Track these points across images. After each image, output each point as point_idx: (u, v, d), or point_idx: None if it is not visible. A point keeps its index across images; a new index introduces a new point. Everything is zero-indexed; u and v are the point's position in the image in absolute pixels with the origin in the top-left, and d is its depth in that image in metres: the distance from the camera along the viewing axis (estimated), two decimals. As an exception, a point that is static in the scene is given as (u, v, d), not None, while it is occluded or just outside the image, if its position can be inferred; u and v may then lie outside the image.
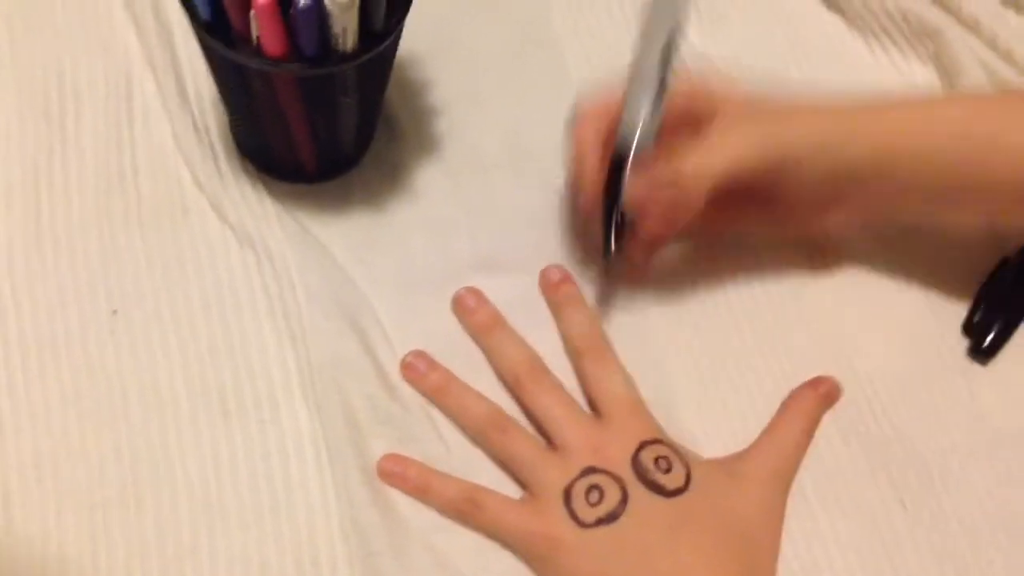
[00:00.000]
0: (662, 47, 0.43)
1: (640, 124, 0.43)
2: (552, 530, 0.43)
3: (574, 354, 0.48)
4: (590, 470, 0.43)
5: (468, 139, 0.54)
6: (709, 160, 0.43)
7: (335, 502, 0.44)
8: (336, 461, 0.44)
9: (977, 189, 0.45)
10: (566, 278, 0.50)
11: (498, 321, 0.49)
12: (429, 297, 0.49)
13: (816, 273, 0.52)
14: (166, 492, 0.43)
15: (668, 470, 0.43)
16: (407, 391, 0.47)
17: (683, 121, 0.45)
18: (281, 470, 0.44)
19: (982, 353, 0.50)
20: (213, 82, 0.48)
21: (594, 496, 0.42)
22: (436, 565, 0.43)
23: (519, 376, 0.47)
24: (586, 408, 0.47)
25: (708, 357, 0.49)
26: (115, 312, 0.46)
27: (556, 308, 0.49)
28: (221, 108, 0.52)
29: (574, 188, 0.48)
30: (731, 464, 0.45)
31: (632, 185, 0.44)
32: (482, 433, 0.46)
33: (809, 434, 0.47)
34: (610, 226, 0.46)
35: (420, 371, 0.47)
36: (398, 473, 0.45)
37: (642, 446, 0.44)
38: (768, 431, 0.47)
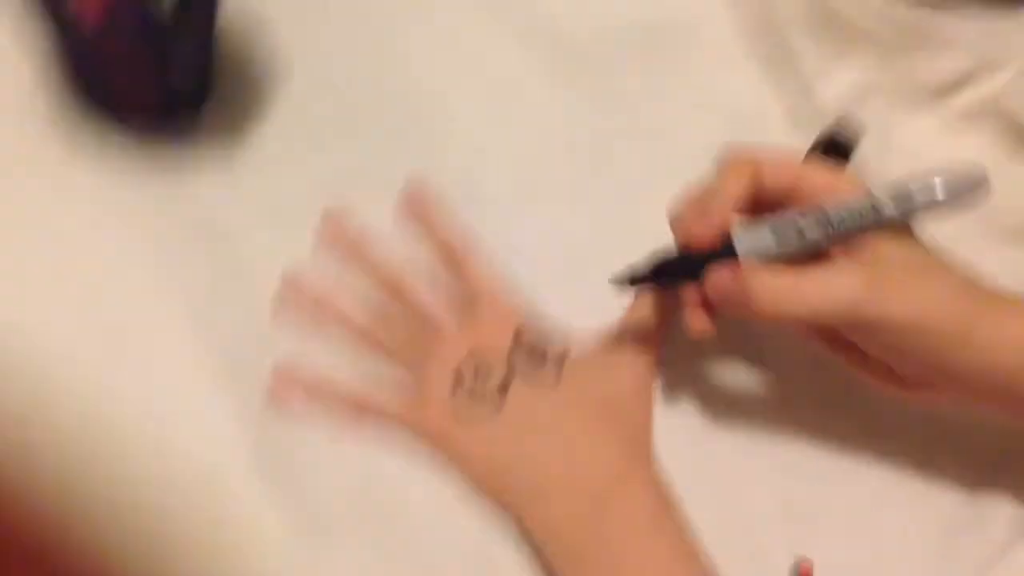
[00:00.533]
0: (895, 212, 0.40)
1: (783, 244, 0.41)
2: (440, 420, 0.46)
3: (443, 257, 0.50)
4: (472, 357, 0.46)
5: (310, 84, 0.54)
6: (790, 298, 0.40)
7: (234, 418, 0.45)
8: (229, 381, 0.46)
9: None
10: (425, 191, 0.52)
11: (363, 240, 0.50)
12: (295, 225, 0.50)
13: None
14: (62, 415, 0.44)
15: (543, 353, 0.47)
16: (287, 311, 0.49)
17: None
18: (175, 396, 0.46)
19: None
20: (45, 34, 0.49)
21: (478, 381, 0.46)
22: (339, 459, 0.45)
23: (392, 285, 0.49)
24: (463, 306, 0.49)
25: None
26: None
27: (418, 219, 0.51)
28: (56, 55, 0.51)
29: (694, 202, 0.44)
30: (603, 350, 0.48)
31: (717, 272, 0.41)
32: (364, 335, 0.48)
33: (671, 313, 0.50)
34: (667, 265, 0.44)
35: (297, 292, 0.49)
36: (290, 382, 0.47)
37: (518, 332, 0.47)
38: (632, 310, 0.49)
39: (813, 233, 0.41)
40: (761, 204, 0.42)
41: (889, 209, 0.40)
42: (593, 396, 0.46)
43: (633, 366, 0.48)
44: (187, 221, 0.50)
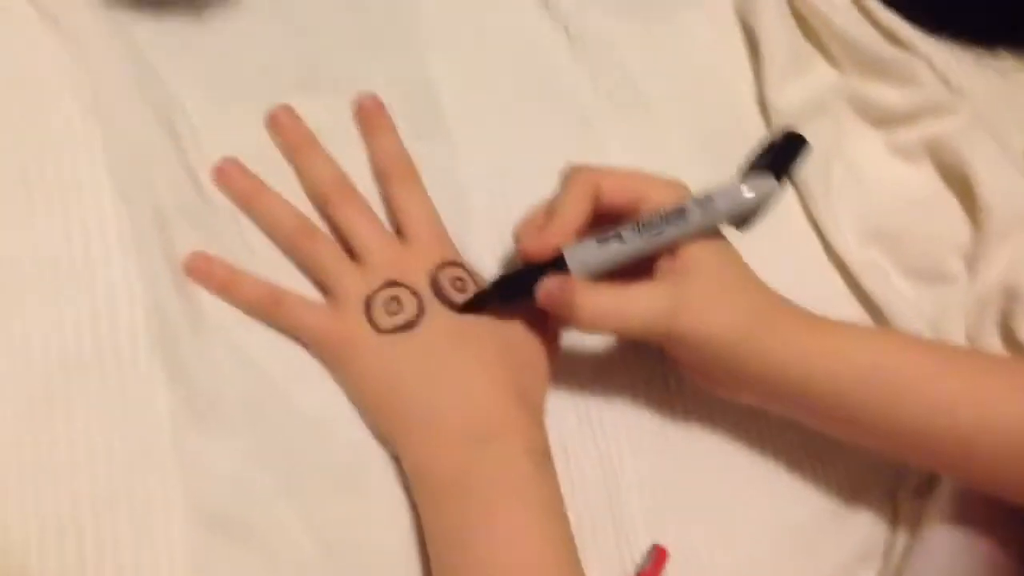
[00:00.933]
0: (699, 217, 0.45)
1: (607, 253, 0.45)
2: (349, 333, 0.45)
3: (382, 177, 0.50)
4: (391, 283, 0.46)
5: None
6: (607, 313, 0.45)
7: (139, 287, 0.44)
8: (142, 250, 0.45)
9: (884, 435, 0.47)
10: (379, 106, 0.51)
11: (310, 140, 0.50)
12: (243, 108, 0.50)
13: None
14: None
15: (462, 291, 0.47)
16: (216, 194, 0.48)
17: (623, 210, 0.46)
18: (83, 249, 0.44)
19: None
20: None
21: (393, 307, 0.45)
22: (234, 356, 0.45)
23: (327, 193, 0.48)
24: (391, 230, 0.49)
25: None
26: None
27: (367, 134, 0.51)
28: None
29: (536, 219, 0.47)
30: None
31: (546, 286, 0.44)
32: (289, 239, 0.48)
33: None
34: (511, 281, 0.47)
35: (232, 176, 0.48)
36: (203, 269, 0.46)
37: (441, 266, 0.47)
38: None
39: (630, 238, 0.45)
40: (604, 221, 0.46)
41: (693, 213, 0.45)
42: (498, 338, 0.46)
43: (536, 319, 0.48)
44: (142, 73, 0.48)
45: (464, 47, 0.56)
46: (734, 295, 0.46)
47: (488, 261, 0.50)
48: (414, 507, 0.44)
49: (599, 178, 0.46)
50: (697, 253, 0.46)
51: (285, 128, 0.50)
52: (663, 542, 0.48)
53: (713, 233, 0.47)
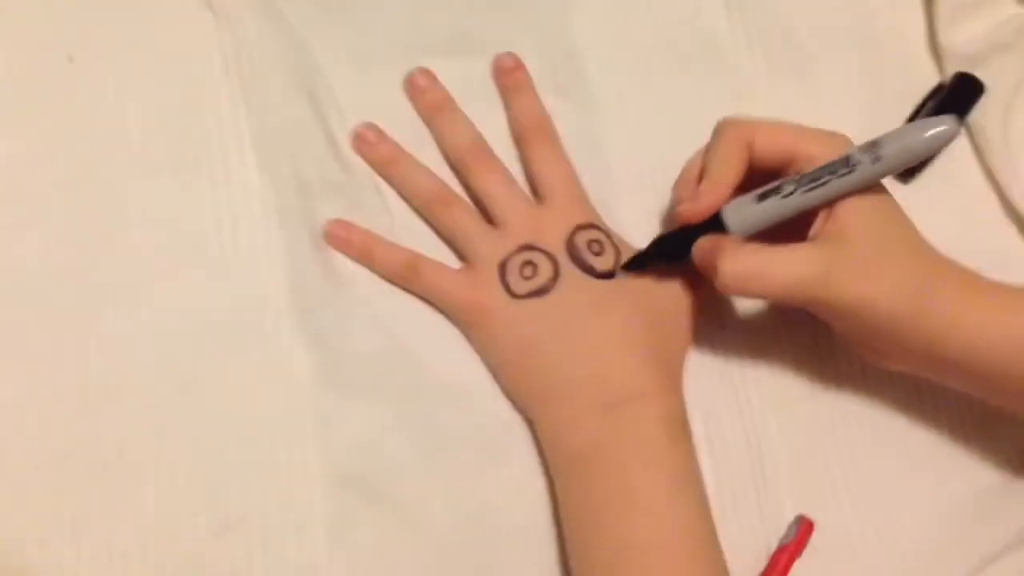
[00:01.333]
0: (868, 165, 0.41)
1: (767, 210, 0.42)
2: (485, 299, 0.45)
3: (520, 139, 0.49)
4: (526, 247, 0.45)
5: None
6: (749, 276, 0.42)
7: (281, 260, 0.46)
8: (285, 222, 0.46)
9: None
10: (518, 65, 0.51)
11: (448, 102, 0.50)
12: (383, 73, 0.50)
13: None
14: (118, 236, 0.45)
15: (599, 254, 0.45)
16: (356, 161, 0.48)
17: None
18: (231, 225, 0.46)
19: None
20: None
21: (528, 271, 0.45)
22: (374, 325, 0.46)
23: (464, 156, 0.48)
24: (528, 193, 0.49)
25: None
26: (71, 59, 0.47)
27: (505, 94, 0.50)
28: None
29: (692, 176, 0.45)
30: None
31: (700, 246, 0.43)
32: (427, 205, 0.48)
33: None
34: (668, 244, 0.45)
35: (371, 142, 0.49)
36: (343, 237, 0.47)
37: (577, 229, 0.46)
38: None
39: (792, 192, 0.42)
40: (759, 174, 0.43)
41: (861, 162, 0.41)
42: (637, 302, 0.45)
43: (686, 286, 0.47)
44: (287, 43, 0.49)
45: (612, 5, 0.53)
46: (895, 259, 0.42)
47: (630, 224, 0.49)
48: (551, 477, 0.44)
49: (752, 131, 0.43)
50: (855, 212, 0.42)
51: (423, 91, 0.50)
52: (809, 515, 0.46)
53: (876, 188, 0.42)
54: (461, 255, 0.47)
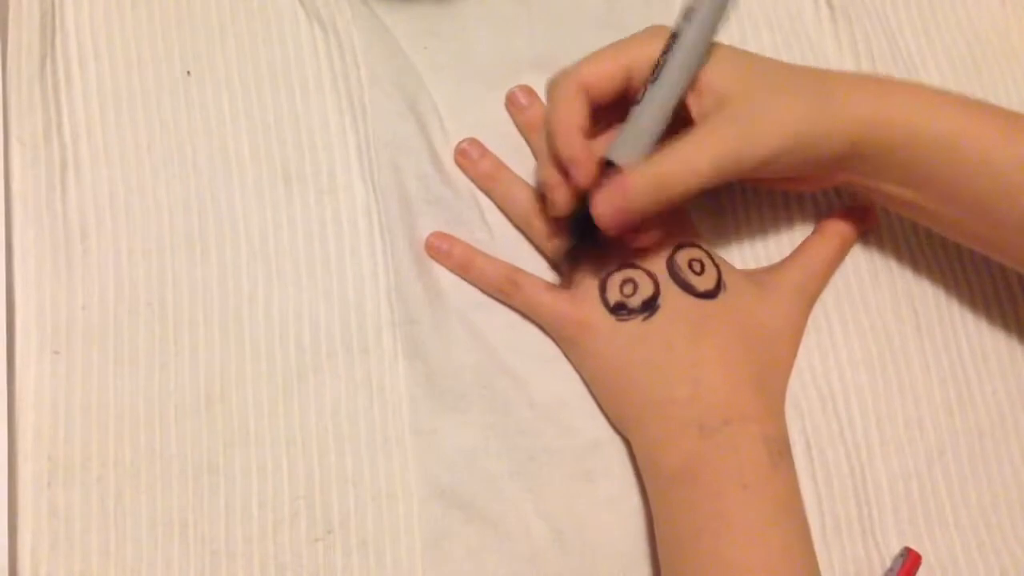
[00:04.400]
0: (694, 27, 0.41)
1: (643, 127, 0.42)
2: (584, 315, 0.45)
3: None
4: (627, 264, 0.45)
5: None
6: (672, 174, 0.41)
7: (383, 272, 0.46)
8: (387, 234, 0.47)
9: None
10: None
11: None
12: (485, 89, 0.50)
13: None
14: (228, 245, 0.46)
15: (700, 272, 0.45)
16: (458, 176, 0.49)
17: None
18: (335, 237, 0.47)
19: None
20: None
21: (628, 288, 0.45)
22: (471, 338, 0.46)
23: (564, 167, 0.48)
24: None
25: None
26: (188, 74, 0.48)
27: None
28: None
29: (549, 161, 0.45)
30: (761, 275, 0.47)
31: (598, 204, 0.42)
32: (526, 220, 0.48)
33: (840, 256, 0.49)
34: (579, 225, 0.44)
35: (472, 157, 0.49)
36: (444, 249, 0.47)
37: (679, 247, 0.45)
38: (801, 248, 0.48)
39: (646, 95, 0.42)
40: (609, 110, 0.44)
41: (685, 29, 0.41)
42: (739, 322, 0.45)
43: (794, 299, 0.46)
44: (394, 60, 0.50)
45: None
46: (780, 93, 0.42)
47: (736, 243, 0.49)
48: (646, 495, 0.44)
49: (577, 75, 0.43)
50: (717, 75, 0.42)
51: (522, 108, 0.50)
52: (916, 547, 0.44)
53: (723, 52, 0.43)
54: (560, 271, 0.47)
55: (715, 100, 0.42)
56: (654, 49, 0.42)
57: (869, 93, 0.42)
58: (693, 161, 0.41)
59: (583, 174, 0.43)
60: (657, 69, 0.42)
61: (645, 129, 0.42)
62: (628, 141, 0.42)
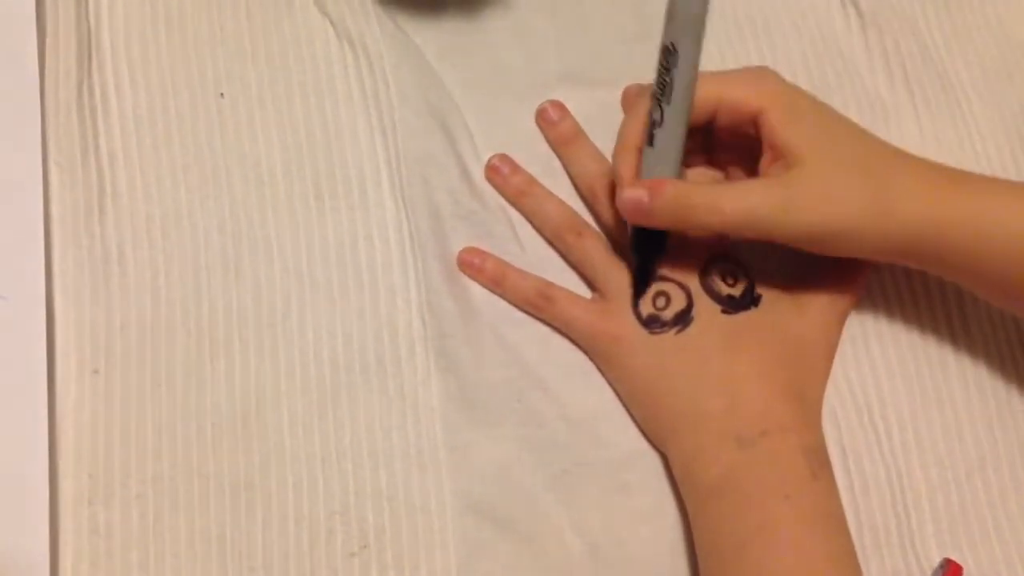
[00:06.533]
0: (673, 27, 0.40)
1: (663, 147, 0.42)
2: (617, 329, 0.45)
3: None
4: (660, 277, 0.45)
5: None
6: (711, 205, 0.42)
7: (415, 287, 0.47)
8: (418, 250, 0.47)
9: None
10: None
11: (578, 134, 0.50)
12: (515, 104, 0.51)
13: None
14: (262, 264, 0.47)
15: (734, 284, 0.45)
16: (489, 191, 0.49)
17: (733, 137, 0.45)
18: (367, 253, 0.47)
19: None
20: None
21: (661, 301, 0.45)
22: (503, 352, 0.46)
23: (595, 189, 0.48)
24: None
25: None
26: (222, 95, 0.49)
27: None
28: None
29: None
30: (796, 286, 0.47)
31: (621, 198, 0.43)
32: (558, 235, 0.48)
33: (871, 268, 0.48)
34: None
35: (503, 173, 0.49)
36: (476, 264, 0.47)
37: (712, 259, 0.45)
38: (836, 258, 0.48)
39: (658, 111, 0.42)
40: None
41: (677, 39, 0.40)
42: (777, 330, 0.44)
43: (829, 309, 0.46)
44: (423, 76, 0.51)
45: (747, 30, 0.53)
46: (848, 174, 0.41)
47: (770, 253, 0.48)
48: (684, 511, 0.44)
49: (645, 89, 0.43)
50: (795, 136, 0.42)
51: (552, 123, 0.50)
52: (957, 558, 0.44)
53: (808, 102, 0.43)
54: (592, 285, 0.47)
55: (786, 162, 0.42)
56: (746, 87, 0.43)
57: (936, 188, 0.42)
58: (723, 203, 0.41)
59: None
60: (661, 84, 0.41)
61: (666, 148, 0.42)
62: (651, 162, 0.43)
